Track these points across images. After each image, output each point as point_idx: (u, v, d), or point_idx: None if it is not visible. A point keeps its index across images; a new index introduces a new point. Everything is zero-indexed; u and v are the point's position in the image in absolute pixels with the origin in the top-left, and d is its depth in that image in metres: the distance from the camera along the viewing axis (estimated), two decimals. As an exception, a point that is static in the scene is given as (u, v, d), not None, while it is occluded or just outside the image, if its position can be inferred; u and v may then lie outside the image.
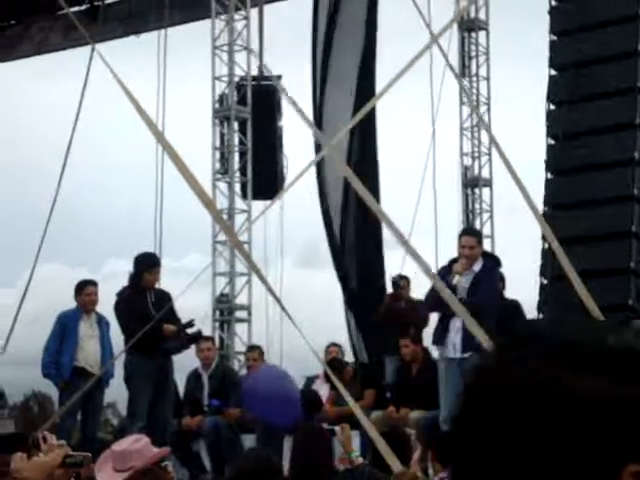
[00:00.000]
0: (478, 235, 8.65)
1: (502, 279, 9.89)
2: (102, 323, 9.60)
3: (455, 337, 8.09)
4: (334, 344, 10.91)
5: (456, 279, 7.97)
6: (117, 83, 2.99)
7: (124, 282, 9.62)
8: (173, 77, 14.62)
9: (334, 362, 9.77)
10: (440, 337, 8.24)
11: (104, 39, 15.89)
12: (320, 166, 13.86)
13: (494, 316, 7.93)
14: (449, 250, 9.01)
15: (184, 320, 9.54)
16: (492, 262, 8.67)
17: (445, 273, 8.05)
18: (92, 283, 9.67)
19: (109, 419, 19.63)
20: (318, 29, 14.87)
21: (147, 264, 9.48)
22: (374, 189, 13.94)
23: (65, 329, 9.43)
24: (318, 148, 13.21)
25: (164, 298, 9.24)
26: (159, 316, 8.40)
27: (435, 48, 3.62)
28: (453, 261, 8.24)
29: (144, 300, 9.29)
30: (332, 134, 13.26)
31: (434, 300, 8.23)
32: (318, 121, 14.40)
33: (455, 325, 8.06)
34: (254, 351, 10.81)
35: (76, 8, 17.07)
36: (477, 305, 7.61)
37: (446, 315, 8.05)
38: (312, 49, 14.92)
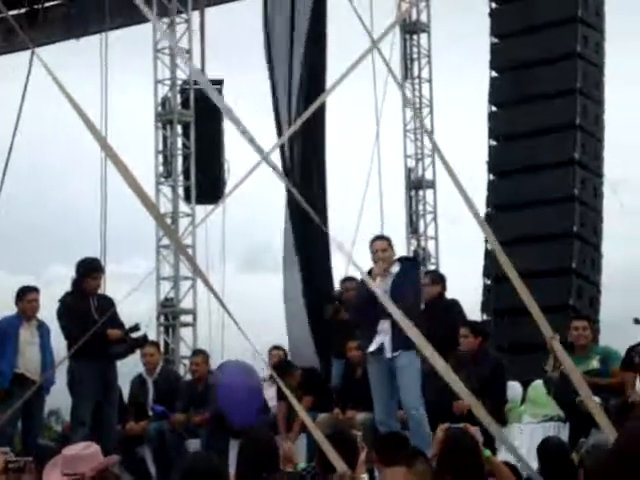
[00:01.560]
0: (388, 239, 8.68)
1: (443, 280, 9.97)
2: (43, 329, 9.50)
3: (384, 338, 8.18)
4: (277, 347, 10.89)
5: (377, 281, 8.09)
6: (57, 87, 2.97)
7: (66, 288, 9.54)
8: (116, 81, 14.56)
9: (280, 365, 9.76)
10: (367, 342, 8.31)
11: (45, 43, 15.77)
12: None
13: (420, 316, 8.04)
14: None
15: (128, 325, 9.48)
16: (410, 263, 8.71)
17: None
18: (34, 289, 9.57)
19: (52, 426, 19.44)
20: (271, 35, 14.83)
21: (89, 269, 9.41)
22: (322, 194, 13.93)
23: (4, 336, 9.32)
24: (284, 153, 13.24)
25: (107, 303, 9.18)
26: (102, 321, 8.34)
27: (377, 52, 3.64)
28: (369, 272, 8.31)
29: (87, 305, 9.22)
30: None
31: (360, 305, 8.36)
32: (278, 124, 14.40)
33: (384, 327, 8.16)
34: (198, 356, 10.76)
35: (15, 11, 16.92)
36: (401, 307, 7.72)
37: (371, 320, 8.18)
38: (267, 55, 14.85)
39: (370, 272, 8.19)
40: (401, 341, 7.88)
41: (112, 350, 9.27)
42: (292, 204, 13.67)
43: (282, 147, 13.27)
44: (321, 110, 13.63)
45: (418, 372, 8.13)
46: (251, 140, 3.05)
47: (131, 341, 9.46)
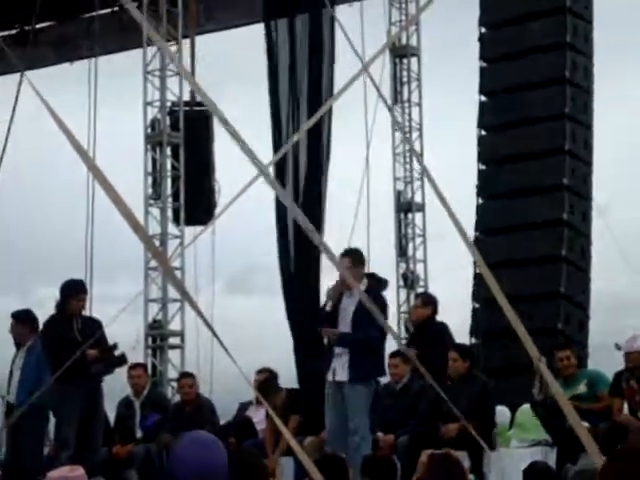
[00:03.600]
0: (354, 254, 8.34)
1: (434, 302, 9.96)
2: (31, 350, 9.46)
3: (336, 362, 8.20)
4: (265, 369, 10.82)
5: (329, 305, 8.14)
6: (46, 109, 2.96)
7: (53, 309, 9.51)
8: (105, 103, 14.56)
9: (265, 387, 9.72)
10: (327, 364, 8.34)
11: (36, 66, 15.78)
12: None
13: (382, 344, 8.22)
14: (382, 275, 9.03)
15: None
16: (375, 286, 8.42)
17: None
18: (14, 318, 9.52)
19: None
20: (273, 62, 14.91)
21: (73, 291, 9.39)
22: (319, 216, 13.91)
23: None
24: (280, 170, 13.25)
25: (92, 325, 9.15)
26: (87, 345, 8.31)
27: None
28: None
29: (70, 327, 9.19)
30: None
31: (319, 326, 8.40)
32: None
33: (338, 350, 8.22)
34: (187, 378, 10.72)
35: (6, 32, 16.93)
36: (361, 340, 8.02)
37: (328, 343, 8.25)
38: (270, 81, 14.91)
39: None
40: (355, 372, 8.03)
41: (91, 370, 9.21)
42: (281, 222, 13.74)
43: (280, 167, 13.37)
44: (319, 130, 13.69)
45: (367, 399, 8.20)
46: (250, 153, 3.04)
47: (109, 361, 9.41)
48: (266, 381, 10.03)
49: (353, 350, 8.20)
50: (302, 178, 14.02)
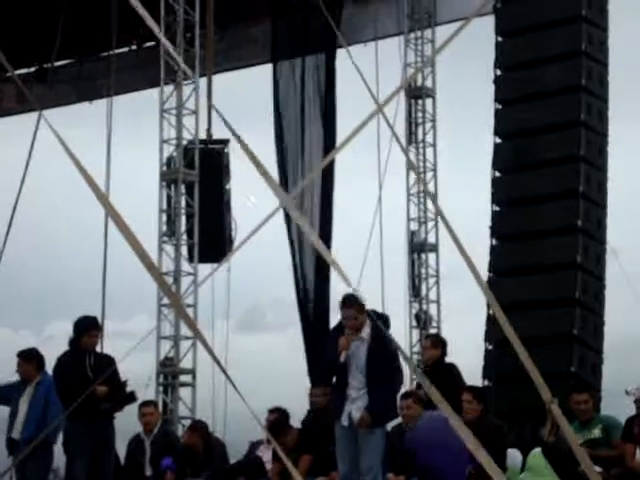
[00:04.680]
0: (357, 303, 8.04)
1: (443, 344, 9.93)
2: (40, 386, 9.46)
3: (352, 406, 8.13)
4: (276, 409, 10.72)
5: (343, 356, 8.06)
6: (62, 146, 2.99)
7: (66, 344, 9.53)
8: (121, 140, 14.66)
9: (275, 426, 9.67)
10: (338, 410, 8.22)
11: (56, 105, 15.93)
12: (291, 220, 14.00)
13: (393, 390, 8.24)
14: (395, 315, 9.04)
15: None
16: (380, 330, 8.11)
17: (335, 334, 8.18)
18: (20, 356, 9.54)
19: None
20: (280, 99, 15.06)
21: (86, 327, 9.41)
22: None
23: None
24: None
25: (105, 362, 9.15)
26: (98, 381, 8.31)
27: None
28: (339, 325, 8.28)
29: (82, 363, 9.19)
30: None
31: (330, 371, 8.33)
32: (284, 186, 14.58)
33: (350, 395, 8.14)
34: (195, 432, 10.53)
35: (25, 70, 17.08)
36: (379, 408, 8.02)
37: (340, 387, 8.17)
38: (275, 119, 15.06)
39: (341, 325, 8.19)
40: (373, 417, 7.98)
41: (100, 407, 9.19)
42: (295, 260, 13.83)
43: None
44: (330, 172, 13.79)
45: (382, 442, 8.16)
46: (273, 184, 3.04)
47: (118, 398, 9.40)
48: (277, 421, 9.99)
49: (377, 399, 8.12)
50: (314, 215, 14.14)
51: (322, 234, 14.05)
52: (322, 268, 14.20)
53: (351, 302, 8.02)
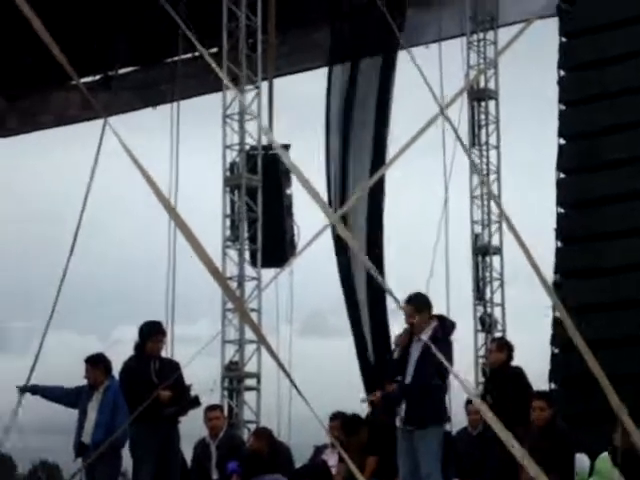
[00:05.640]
0: (416, 302, 8.25)
1: (509, 347, 9.86)
2: (108, 391, 9.54)
3: (401, 409, 8.32)
4: (336, 415, 10.57)
5: (396, 353, 8.18)
6: (127, 156, 3.02)
7: (132, 348, 9.62)
8: (185, 146, 14.78)
9: (349, 423, 9.70)
10: (397, 408, 8.45)
11: (120, 111, 16.10)
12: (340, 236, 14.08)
13: (438, 392, 8.28)
14: (460, 319, 9.00)
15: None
16: (442, 331, 8.34)
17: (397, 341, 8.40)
18: (88, 362, 9.62)
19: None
20: (331, 104, 15.12)
21: (150, 332, 9.49)
22: (379, 258, 14.03)
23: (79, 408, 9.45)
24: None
25: (170, 367, 9.21)
26: (163, 386, 8.38)
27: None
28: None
29: (147, 368, 9.27)
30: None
31: (395, 370, 8.43)
32: (340, 194, 14.65)
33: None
34: (261, 438, 10.54)
35: (90, 78, 17.29)
36: (411, 388, 8.16)
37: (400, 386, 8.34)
38: (326, 123, 15.13)
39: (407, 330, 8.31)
40: (414, 419, 8.04)
41: (164, 412, 9.25)
42: (343, 270, 13.86)
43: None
44: (380, 182, 13.80)
45: (437, 444, 8.16)
46: (321, 202, 3.05)
47: (182, 402, 9.45)
48: (351, 417, 10.00)
49: (409, 398, 8.27)
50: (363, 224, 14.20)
51: (371, 244, 14.12)
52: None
53: (410, 299, 8.29)
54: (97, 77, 17.50)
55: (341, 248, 14.54)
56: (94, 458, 7.93)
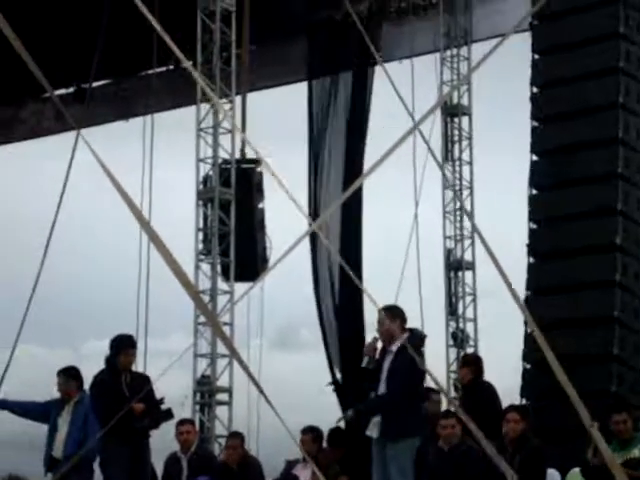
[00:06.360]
0: (390, 310, 8.38)
1: (476, 362, 9.88)
2: (79, 405, 9.48)
3: (376, 420, 8.35)
4: (308, 429, 10.55)
5: (364, 361, 8.29)
6: (101, 167, 3.01)
7: (102, 362, 9.57)
8: (158, 159, 14.74)
9: (334, 434, 9.73)
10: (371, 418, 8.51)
11: (93, 124, 16.05)
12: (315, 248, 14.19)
13: (412, 404, 8.32)
14: (432, 334, 9.02)
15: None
16: (411, 342, 8.43)
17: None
18: (60, 374, 9.55)
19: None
20: (313, 116, 15.18)
21: (122, 346, 9.45)
22: (357, 268, 14.06)
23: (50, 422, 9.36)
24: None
25: (141, 380, 9.17)
26: (135, 400, 8.34)
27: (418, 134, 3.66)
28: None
29: (119, 381, 9.22)
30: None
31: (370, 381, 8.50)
32: (314, 205, 14.72)
33: None
34: (234, 439, 10.61)
35: (63, 90, 17.24)
36: (378, 402, 8.32)
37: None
38: (309, 135, 15.20)
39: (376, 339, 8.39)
40: (387, 431, 8.08)
41: (137, 424, 9.20)
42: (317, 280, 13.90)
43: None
44: (358, 193, 13.83)
45: (408, 457, 8.20)
46: (302, 210, 3.05)
47: (155, 415, 9.41)
48: (336, 430, 10.04)
49: (381, 410, 8.36)
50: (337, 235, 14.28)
51: (349, 253, 14.15)
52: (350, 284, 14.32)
53: (385, 308, 8.39)
54: (71, 89, 17.45)
55: (317, 257, 14.58)
56: (65, 471, 7.87)
